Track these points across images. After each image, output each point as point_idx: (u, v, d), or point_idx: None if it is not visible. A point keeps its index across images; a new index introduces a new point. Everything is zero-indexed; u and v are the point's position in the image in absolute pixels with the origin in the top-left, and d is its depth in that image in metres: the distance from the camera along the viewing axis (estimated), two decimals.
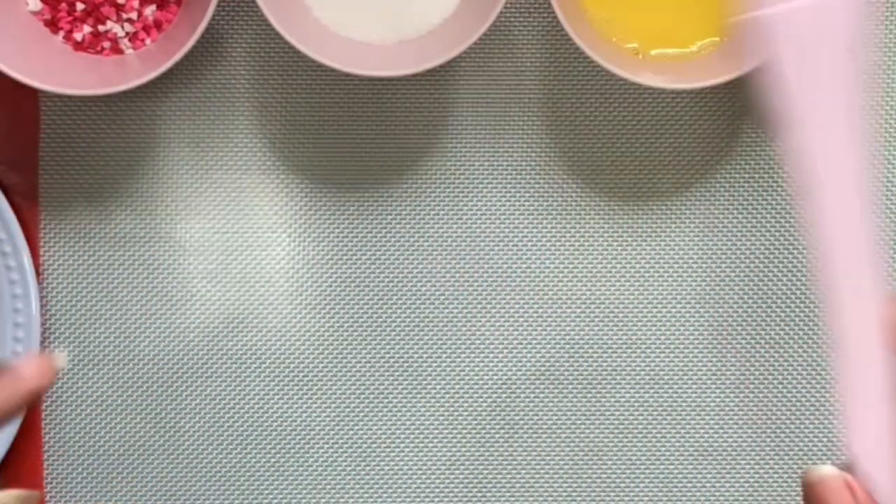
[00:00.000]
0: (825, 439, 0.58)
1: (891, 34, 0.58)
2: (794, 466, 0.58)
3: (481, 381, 0.58)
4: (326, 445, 0.58)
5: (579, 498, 0.58)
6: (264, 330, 0.57)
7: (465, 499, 0.58)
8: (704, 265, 0.58)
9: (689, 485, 0.58)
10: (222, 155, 0.57)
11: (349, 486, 0.58)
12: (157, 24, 0.55)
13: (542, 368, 0.58)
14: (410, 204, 0.58)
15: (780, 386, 0.58)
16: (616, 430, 0.58)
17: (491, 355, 0.58)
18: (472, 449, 0.58)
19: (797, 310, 0.58)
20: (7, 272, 0.56)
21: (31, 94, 0.57)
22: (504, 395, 0.58)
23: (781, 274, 0.58)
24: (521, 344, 0.58)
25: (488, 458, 0.58)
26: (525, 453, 0.58)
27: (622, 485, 0.58)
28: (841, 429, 0.36)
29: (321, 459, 0.57)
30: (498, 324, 0.58)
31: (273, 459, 0.57)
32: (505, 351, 0.57)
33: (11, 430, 0.56)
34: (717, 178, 0.58)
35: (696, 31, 0.54)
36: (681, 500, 0.58)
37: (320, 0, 0.54)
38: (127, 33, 0.55)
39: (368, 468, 0.58)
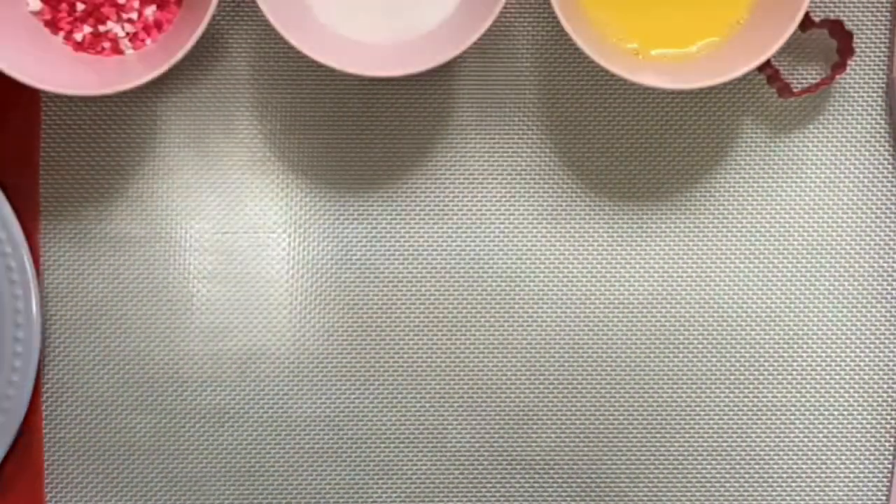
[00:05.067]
0: (825, 439, 0.58)
1: None
2: (794, 466, 0.58)
3: (481, 380, 0.57)
4: (326, 444, 0.57)
5: (578, 497, 0.58)
6: (264, 330, 0.57)
7: (465, 498, 0.58)
8: (704, 265, 0.58)
9: (689, 484, 0.58)
10: (222, 155, 0.57)
11: (349, 484, 0.57)
12: (158, 25, 0.55)
13: (542, 368, 0.57)
14: (410, 204, 0.57)
15: (782, 386, 0.58)
16: (615, 430, 0.58)
17: (490, 355, 0.57)
18: (472, 448, 0.58)
19: (797, 309, 0.58)
20: (7, 272, 0.56)
21: (31, 95, 0.57)
22: (503, 394, 0.57)
23: (781, 273, 0.58)
24: (520, 343, 0.57)
25: (487, 457, 0.58)
26: (525, 452, 0.58)
27: (622, 484, 0.58)
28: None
29: (321, 458, 0.57)
30: (498, 323, 0.57)
31: (273, 459, 0.57)
32: (505, 350, 0.57)
33: (11, 429, 0.56)
34: (718, 178, 0.58)
35: (696, 32, 0.54)
36: (681, 500, 0.58)
37: (321, 0, 0.54)
38: (127, 33, 0.55)
39: (369, 467, 0.57)
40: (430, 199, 0.57)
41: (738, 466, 0.58)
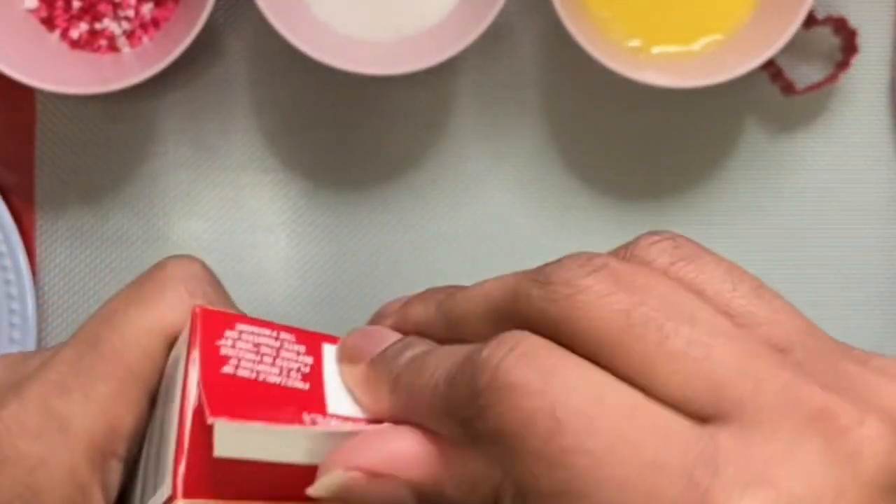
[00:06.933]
0: None
1: None
2: None
3: None
4: None
5: None
6: None
7: None
8: None
9: None
10: (220, 154, 0.57)
11: None
12: (155, 22, 0.54)
13: None
14: (410, 203, 0.57)
15: None
16: None
17: None
18: None
19: (799, 309, 0.57)
20: (3, 272, 0.55)
21: (27, 93, 0.56)
22: None
23: (782, 272, 0.57)
24: None
25: None
26: None
27: None
28: None
29: None
30: None
31: None
32: None
33: None
34: (718, 177, 0.57)
35: (699, 30, 0.54)
36: None
37: None
38: (124, 31, 0.54)
39: None
40: (430, 198, 0.57)
41: None
